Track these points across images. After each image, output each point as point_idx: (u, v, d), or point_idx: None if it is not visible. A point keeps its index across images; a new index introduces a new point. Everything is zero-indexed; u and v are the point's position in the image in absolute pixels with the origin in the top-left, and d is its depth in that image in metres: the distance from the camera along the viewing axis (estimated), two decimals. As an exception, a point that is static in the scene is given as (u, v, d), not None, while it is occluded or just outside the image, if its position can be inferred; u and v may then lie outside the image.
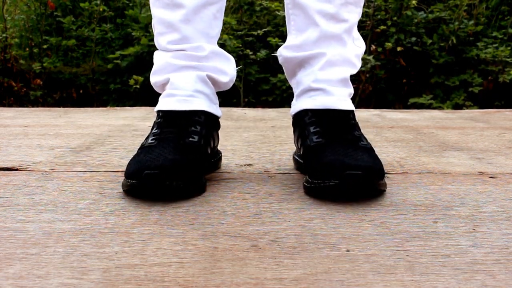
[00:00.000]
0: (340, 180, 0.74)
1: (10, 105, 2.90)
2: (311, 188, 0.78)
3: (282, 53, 0.93)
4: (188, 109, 0.85)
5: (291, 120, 0.94)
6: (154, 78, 0.92)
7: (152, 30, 0.97)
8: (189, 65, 0.89)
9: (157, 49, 0.93)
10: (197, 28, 0.89)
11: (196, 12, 0.88)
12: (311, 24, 0.90)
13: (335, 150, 0.81)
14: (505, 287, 0.48)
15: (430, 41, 2.90)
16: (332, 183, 0.74)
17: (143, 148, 0.82)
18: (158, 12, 0.89)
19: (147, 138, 0.85)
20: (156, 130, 0.85)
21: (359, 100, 2.91)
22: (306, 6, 0.90)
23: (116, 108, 2.24)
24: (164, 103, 0.87)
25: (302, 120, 0.89)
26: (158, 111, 0.88)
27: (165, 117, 0.86)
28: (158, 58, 0.92)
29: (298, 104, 0.91)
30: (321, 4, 0.89)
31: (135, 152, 0.82)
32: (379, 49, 2.93)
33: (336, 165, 0.76)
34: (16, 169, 0.96)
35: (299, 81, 0.93)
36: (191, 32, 0.88)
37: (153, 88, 0.94)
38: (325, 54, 0.89)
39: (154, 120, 0.88)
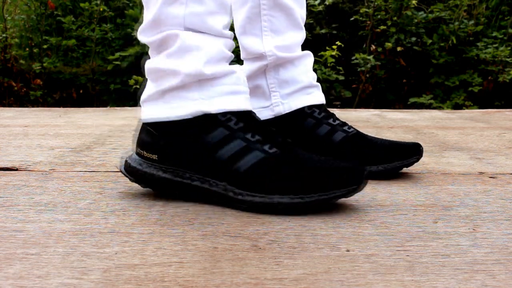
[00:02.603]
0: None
1: (10, 105, 2.90)
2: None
3: (276, 53, 0.94)
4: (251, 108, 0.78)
5: (275, 117, 0.96)
6: (214, 69, 0.74)
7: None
8: (230, 57, 0.78)
9: (187, 29, 0.74)
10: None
11: None
12: (295, 27, 0.96)
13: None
14: (505, 287, 0.48)
15: (430, 41, 2.89)
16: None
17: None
18: None
19: (262, 144, 0.72)
20: (260, 137, 0.73)
21: (359, 100, 2.91)
22: (291, 9, 0.94)
23: (116, 108, 2.24)
24: (241, 102, 0.75)
25: (311, 115, 0.93)
26: (238, 113, 0.74)
27: (244, 117, 0.75)
28: (208, 43, 0.74)
29: (297, 101, 0.95)
30: (302, 10, 0.97)
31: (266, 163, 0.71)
32: (379, 49, 2.93)
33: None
34: (16, 169, 0.96)
35: (286, 80, 0.95)
36: (230, 17, 0.78)
37: None
38: (311, 55, 0.99)
39: (231, 123, 0.73)
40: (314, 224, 0.65)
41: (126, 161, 0.79)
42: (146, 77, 0.79)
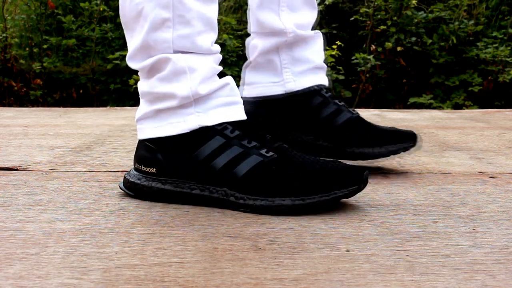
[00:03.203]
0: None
1: (10, 105, 2.90)
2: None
3: (295, 30, 0.95)
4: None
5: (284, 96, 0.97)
6: (208, 86, 0.74)
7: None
8: (219, 70, 0.78)
9: (181, 51, 0.74)
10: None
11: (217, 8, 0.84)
12: (309, 6, 0.96)
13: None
14: (505, 287, 0.48)
15: (430, 41, 2.89)
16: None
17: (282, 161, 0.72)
18: (196, 6, 0.73)
19: (259, 149, 0.72)
20: (257, 143, 0.73)
21: (359, 100, 2.91)
22: None
23: (116, 108, 2.24)
24: (237, 113, 0.76)
25: (319, 93, 0.96)
26: (234, 122, 0.74)
27: (240, 126, 0.75)
28: (200, 63, 0.74)
29: (308, 80, 0.96)
30: None
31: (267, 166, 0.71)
32: (379, 49, 2.93)
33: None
34: (16, 169, 0.96)
35: (300, 58, 0.96)
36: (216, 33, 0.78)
37: None
38: (322, 35, 0.99)
39: (228, 131, 0.73)
40: (314, 224, 0.65)
41: (124, 177, 0.79)
42: (140, 97, 0.79)
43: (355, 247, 0.57)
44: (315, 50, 0.98)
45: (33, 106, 2.85)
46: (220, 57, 0.78)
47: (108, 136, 1.37)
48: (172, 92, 0.74)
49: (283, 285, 0.48)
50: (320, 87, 0.97)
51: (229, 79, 0.77)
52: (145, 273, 0.51)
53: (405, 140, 0.92)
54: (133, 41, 0.76)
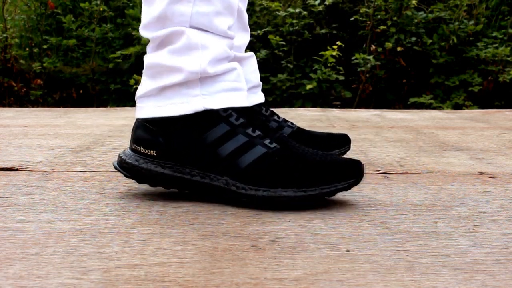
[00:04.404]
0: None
1: (10, 105, 2.90)
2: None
3: (234, 53, 0.96)
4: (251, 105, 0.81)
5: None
6: (217, 67, 0.74)
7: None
8: (232, 57, 0.78)
9: (197, 28, 0.74)
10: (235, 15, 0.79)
11: None
12: (243, 29, 1.00)
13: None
14: (505, 287, 0.48)
15: (430, 41, 2.89)
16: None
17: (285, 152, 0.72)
18: None
19: (263, 139, 0.73)
20: (260, 132, 0.74)
21: (359, 100, 2.91)
22: (242, 12, 0.98)
23: (116, 108, 2.24)
24: (241, 99, 0.76)
25: (260, 113, 1.01)
26: (239, 109, 0.75)
27: (244, 113, 0.75)
28: (213, 43, 0.75)
29: (249, 100, 0.99)
30: (245, 13, 1.01)
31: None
32: (379, 49, 2.93)
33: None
34: (16, 169, 0.96)
35: None
36: (235, 19, 0.78)
37: None
38: (254, 55, 1.03)
39: (232, 119, 0.74)
40: (314, 224, 0.65)
41: (120, 156, 0.78)
42: (143, 72, 0.78)
43: (355, 247, 0.57)
44: (251, 70, 1.01)
45: (33, 106, 2.85)
46: (233, 44, 0.79)
47: (108, 136, 1.37)
48: (180, 66, 0.73)
49: (283, 285, 0.48)
50: (260, 106, 1.02)
51: (236, 64, 0.77)
52: (145, 273, 0.51)
53: (341, 144, 1.03)
54: (150, 11, 0.75)
